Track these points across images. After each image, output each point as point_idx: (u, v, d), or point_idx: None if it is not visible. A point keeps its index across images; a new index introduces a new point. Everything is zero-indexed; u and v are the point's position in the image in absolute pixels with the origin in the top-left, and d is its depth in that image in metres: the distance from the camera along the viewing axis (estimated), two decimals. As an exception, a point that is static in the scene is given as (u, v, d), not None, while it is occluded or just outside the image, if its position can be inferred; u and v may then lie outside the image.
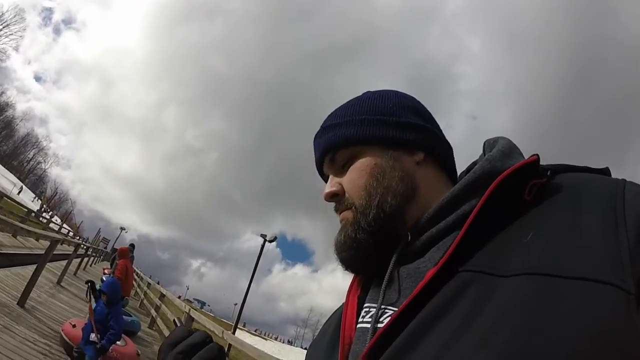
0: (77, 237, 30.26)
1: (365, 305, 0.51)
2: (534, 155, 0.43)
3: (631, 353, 0.29)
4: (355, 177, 0.54)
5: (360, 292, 0.55)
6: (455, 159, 0.59)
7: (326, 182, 0.59)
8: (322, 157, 0.59)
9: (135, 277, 16.26)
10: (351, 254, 0.52)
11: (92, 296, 4.27)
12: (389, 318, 0.42)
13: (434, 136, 0.56)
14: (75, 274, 11.79)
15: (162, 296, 9.86)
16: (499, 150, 0.49)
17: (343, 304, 0.58)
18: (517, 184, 0.42)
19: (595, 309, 0.31)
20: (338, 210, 0.56)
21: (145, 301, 12.46)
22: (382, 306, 0.47)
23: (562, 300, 0.32)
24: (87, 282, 4.31)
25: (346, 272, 0.55)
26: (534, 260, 0.36)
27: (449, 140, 0.60)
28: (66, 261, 10.01)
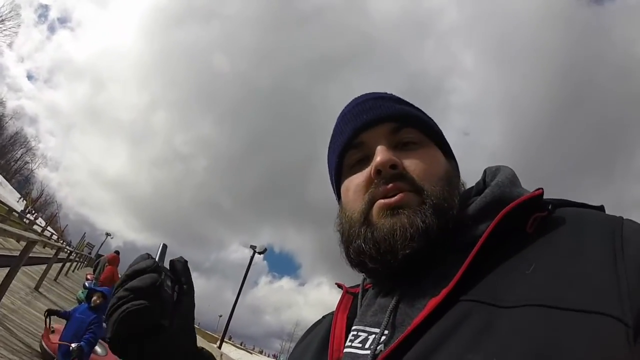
0: (61, 241, 29.32)
1: (354, 327, 0.49)
2: (539, 188, 0.43)
3: None
4: (431, 164, 0.50)
5: (349, 311, 0.53)
6: None
7: (355, 153, 0.52)
8: (378, 121, 0.51)
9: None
10: (407, 248, 0.45)
11: (49, 324, 4.08)
12: (390, 346, 0.40)
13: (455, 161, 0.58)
14: (55, 279, 11.18)
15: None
16: (507, 178, 0.48)
17: (325, 317, 0.58)
18: (520, 216, 0.42)
19: (596, 340, 0.31)
20: (392, 187, 0.47)
21: None
22: (386, 331, 0.44)
23: (562, 331, 0.32)
24: (46, 312, 4.08)
25: (370, 273, 0.51)
26: (535, 292, 0.36)
27: None
28: (46, 265, 9.41)
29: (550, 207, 0.42)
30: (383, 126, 0.50)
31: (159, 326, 0.47)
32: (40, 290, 7.92)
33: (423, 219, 0.45)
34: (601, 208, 0.45)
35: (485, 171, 0.52)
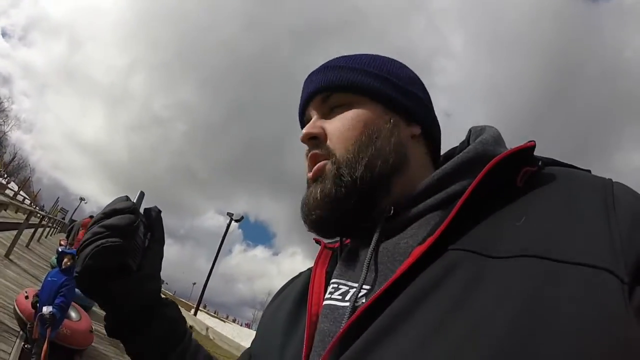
0: (34, 206, 28.85)
1: (333, 280, 0.49)
2: (531, 141, 0.42)
3: (627, 339, 0.29)
4: (345, 125, 0.50)
5: (328, 265, 0.53)
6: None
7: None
8: (313, 95, 0.53)
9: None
10: (326, 212, 0.48)
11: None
12: (371, 297, 0.38)
13: (432, 115, 0.55)
14: (27, 245, 11.27)
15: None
16: (491, 136, 0.48)
17: (302, 273, 0.58)
18: (510, 169, 0.41)
19: (594, 295, 0.31)
20: (312, 157, 0.51)
21: None
22: (363, 287, 0.43)
23: (560, 283, 0.32)
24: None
25: (316, 234, 0.52)
26: (527, 243, 0.35)
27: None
28: (16, 231, 9.61)
29: (540, 164, 0.42)
30: (316, 98, 0.53)
31: (128, 268, 0.48)
32: (11, 257, 7.69)
33: (335, 183, 0.47)
34: (588, 171, 0.44)
35: (470, 130, 0.52)
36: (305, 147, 0.53)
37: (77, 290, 3.81)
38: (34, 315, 3.78)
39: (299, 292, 0.53)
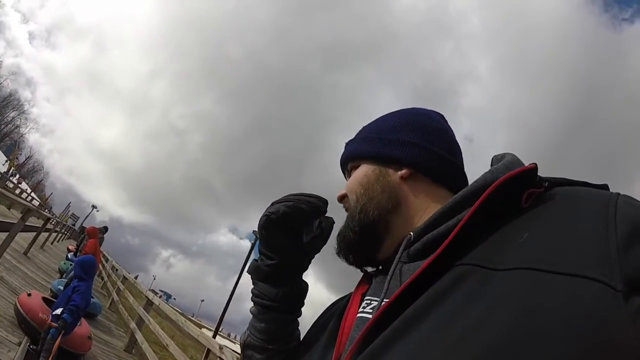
0: (45, 210, 29.31)
1: (366, 297, 0.57)
2: (532, 163, 0.46)
3: (619, 345, 0.31)
4: (350, 183, 0.65)
5: (366, 289, 0.61)
6: (465, 175, 0.64)
7: None
8: (343, 167, 0.71)
9: (102, 259, 16.09)
10: (342, 248, 0.62)
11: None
12: (382, 306, 0.45)
13: (425, 153, 0.61)
14: (25, 253, 11.54)
15: (124, 279, 10.02)
16: (504, 164, 0.51)
17: (348, 294, 0.66)
18: (515, 191, 0.45)
19: (581, 302, 0.33)
20: (346, 209, 0.65)
21: (108, 283, 12.43)
22: (385, 300, 0.49)
23: (550, 293, 0.34)
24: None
25: (347, 264, 0.64)
26: (526, 256, 0.38)
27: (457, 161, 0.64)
28: (34, 234, 9.91)
29: (546, 184, 0.45)
30: (345, 169, 0.70)
31: (300, 237, 0.62)
32: (15, 261, 7.93)
33: (345, 227, 0.62)
34: (604, 187, 0.46)
35: (492, 159, 0.57)
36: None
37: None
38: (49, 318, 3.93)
39: (340, 311, 0.61)
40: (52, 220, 16.58)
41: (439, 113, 0.69)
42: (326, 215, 0.63)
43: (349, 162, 0.68)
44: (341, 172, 0.72)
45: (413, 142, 0.61)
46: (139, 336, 5.48)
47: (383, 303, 0.48)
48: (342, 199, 0.66)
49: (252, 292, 0.66)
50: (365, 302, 0.56)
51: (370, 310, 0.53)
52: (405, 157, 0.61)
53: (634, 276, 0.33)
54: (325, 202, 0.62)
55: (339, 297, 0.71)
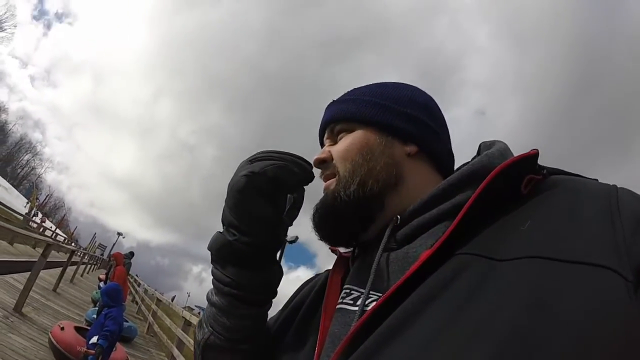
0: (71, 243, 29.92)
1: (346, 286, 0.52)
2: (533, 149, 0.44)
3: (630, 334, 0.30)
4: (344, 147, 0.56)
5: (343, 273, 0.56)
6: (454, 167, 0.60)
7: None
8: (324, 126, 0.62)
9: (133, 283, 16.13)
10: (326, 221, 0.54)
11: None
12: (381, 298, 0.40)
13: (433, 136, 0.57)
14: (71, 280, 11.62)
15: (158, 301, 9.84)
16: (498, 150, 0.49)
17: (323, 274, 0.61)
18: (514, 178, 0.43)
19: (595, 292, 0.32)
20: (324, 177, 0.57)
21: (142, 307, 12.36)
22: (371, 292, 0.46)
23: (563, 282, 0.33)
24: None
25: (320, 240, 0.56)
26: (531, 245, 0.36)
27: (453, 147, 0.61)
28: (60, 269, 9.85)
29: (544, 172, 0.44)
30: (327, 129, 0.61)
31: (280, 209, 0.51)
32: (58, 291, 8.21)
33: (334, 196, 0.53)
34: (595, 180, 0.45)
35: (480, 145, 0.54)
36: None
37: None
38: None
39: (317, 296, 0.57)
40: (78, 253, 16.71)
41: (433, 98, 0.63)
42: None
43: (339, 123, 0.59)
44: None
45: (422, 119, 0.57)
46: (150, 319, 5.23)
47: (371, 296, 0.45)
48: (323, 163, 0.57)
49: (215, 276, 0.53)
50: (345, 290, 0.51)
51: (351, 302, 0.48)
52: (416, 134, 0.56)
53: None
54: (312, 167, 0.53)
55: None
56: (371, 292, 0.46)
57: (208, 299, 0.55)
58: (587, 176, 0.46)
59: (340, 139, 0.58)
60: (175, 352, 5.58)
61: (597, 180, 0.45)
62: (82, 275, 15.17)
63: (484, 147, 0.53)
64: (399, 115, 0.56)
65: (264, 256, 0.52)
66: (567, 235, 0.36)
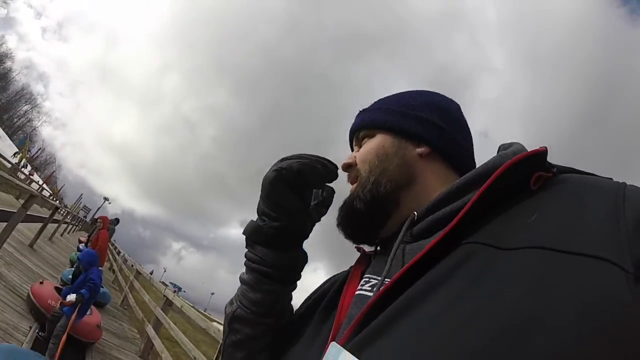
0: (56, 201, 29.26)
1: (366, 275, 0.56)
2: (542, 147, 0.45)
3: (630, 326, 0.31)
4: (364, 152, 0.62)
5: (364, 267, 0.60)
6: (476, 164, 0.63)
7: None
8: (352, 134, 0.68)
9: (112, 250, 15.63)
10: (348, 220, 0.59)
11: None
12: (388, 282, 0.44)
13: (447, 137, 0.60)
14: (50, 238, 11.14)
15: (137, 274, 9.43)
16: (512, 151, 0.50)
17: (346, 271, 0.65)
18: (523, 174, 0.44)
19: (592, 282, 0.32)
20: (350, 180, 0.63)
21: (119, 276, 11.81)
22: (386, 279, 0.48)
23: (561, 272, 0.34)
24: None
25: (346, 238, 0.61)
26: (535, 236, 0.38)
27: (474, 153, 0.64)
28: (41, 225, 9.35)
29: (555, 170, 0.45)
30: (354, 137, 0.67)
31: (306, 202, 0.58)
32: (34, 247, 7.78)
33: (354, 197, 0.58)
34: (609, 179, 0.45)
35: (499, 147, 0.56)
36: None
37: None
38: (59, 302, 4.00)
39: (339, 287, 0.60)
40: (62, 210, 16.17)
41: (457, 103, 0.67)
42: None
43: (362, 130, 0.65)
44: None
45: (435, 122, 0.61)
46: (157, 343, 4.80)
47: (385, 282, 0.48)
48: (349, 167, 0.63)
49: (247, 257, 0.60)
50: (364, 279, 0.55)
51: (369, 288, 0.52)
52: (427, 135, 0.60)
53: None
54: (337, 168, 0.59)
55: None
56: (386, 279, 0.48)
57: (240, 279, 0.62)
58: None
59: (362, 144, 0.64)
60: (152, 332, 5.08)
61: (611, 179, 0.45)
62: (62, 235, 14.64)
63: (502, 148, 0.54)
64: (412, 119, 0.61)
65: (289, 240, 0.59)
66: (571, 227, 0.37)
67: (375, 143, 0.61)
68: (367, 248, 0.63)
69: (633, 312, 0.31)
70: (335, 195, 0.60)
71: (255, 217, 0.60)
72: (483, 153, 0.60)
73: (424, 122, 0.60)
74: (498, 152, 0.54)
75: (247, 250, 0.60)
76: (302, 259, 0.60)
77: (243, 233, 0.59)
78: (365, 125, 0.64)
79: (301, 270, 0.61)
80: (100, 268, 4.78)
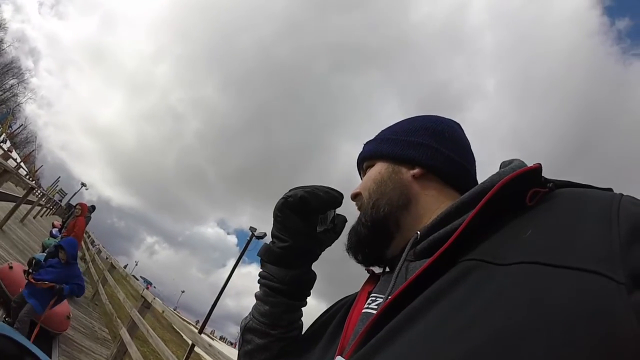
0: (33, 181, 28.03)
1: (372, 295, 0.58)
2: (536, 163, 0.47)
3: (620, 337, 0.31)
4: (365, 180, 0.68)
5: (372, 287, 0.62)
6: (477, 181, 0.65)
7: None
8: (358, 166, 0.75)
9: (86, 239, 14.85)
10: (354, 244, 0.64)
11: (31, 272, 4.07)
12: (387, 300, 0.46)
13: (441, 157, 0.63)
14: (22, 220, 10.45)
15: (112, 267, 8.86)
16: (511, 167, 0.51)
17: (355, 293, 0.66)
18: (519, 190, 0.45)
19: (584, 296, 0.33)
20: (358, 207, 0.67)
21: (92, 268, 11.04)
22: (389, 297, 0.49)
23: (555, 285, 0.34)
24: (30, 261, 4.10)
25: (357, 263, 0.65)
26: (530, 251, 0.39)
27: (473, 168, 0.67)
28: (13, 204, 8.73)
29: (550, 185, 0.45)
30: (360, 169, 0.74)
31: (313, 227, 0.63)
32: (4, 229, 7.25)
33: (358, 222, 0.64)
34: (609, 190, 0.46)
35: (500, 164, 0.56)
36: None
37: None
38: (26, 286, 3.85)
39: (346, 308, 0.63)
40: (37, 191, 15.35)
41: (456, 122, 0.70)
42: (339, 213, 0.65)
43: (365, 161, 0.71)
44: (353, 173, 0.76)
45: (427, 144, 0.64)
46: (132, 350, 4.28)
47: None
48: (356, 197, 0.68)
49: (259, 275, 0.67)
50: (370, 298, 0.58)
51: (375, 307, 0.54)
52: (418, 157, 0.63)
53: (636, 271, 0.34)
54: (341, 195, 0.63)
55: (327, 303, 0.75)
56: (390, 297, 0.49)
57: (254, 295, 0.68)
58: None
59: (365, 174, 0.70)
60: (127, 337, 4.51)
61: (610, 189, 0.46)
62: (34, 217, 13.82)
63: (503, 165, 0.55)
64: (404, 145, 0.65)
65: (295, 258, 0.64)
66: (566, 242, 0.38)
67: (374, 171, 0.66)
68: (377, 269, 0.67)
69: (625, 322, 0.31)
70: (347, 223, 0.65)
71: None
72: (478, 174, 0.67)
73: (416, 145, 0.64)
74: (500, 168, 0.55)
75: (261, 269, 0.67)
76: (308, 277, 0.66)
77: (257, 255, 0.66)
78: (366, 156, 0.70)
79: (310, 288, 0.67)
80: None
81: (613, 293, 0.33)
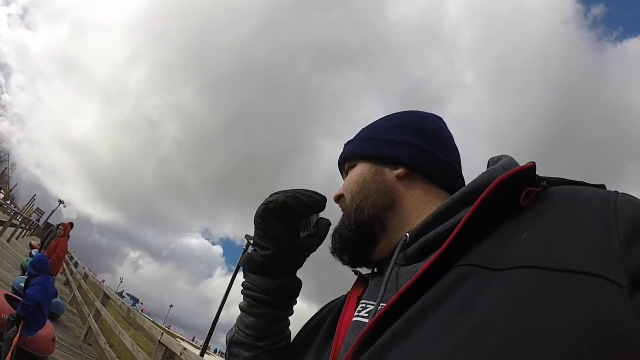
0: (8, 202, 27.18)
1: (362, 301, 0.57)
2: (530, 162, 0.46)
3: (624, 339, 0.31)
4: (347, 182, 0.66)
5: (361, 292, 0.62)
6: (463, 178, 0.64)
7: None
8: (340, 168, 0.72)
9: (69, 261, 14.43)
10: (339, 246, 0.62)
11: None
12: (381, 309, 0.45)
13: (425, 155, 0.61)
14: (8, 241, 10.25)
15: (85, 276, 9.08)
16: (501, 165, 0.50)
17: (344, 296, 0.66)
18: (513, 190, 0.44)
19: (585, 300, 0.33)
20: (342, 210, 0.65)
21: (71, 280, 11.21)
22: (381, 304, 0.48)
23: (555, 291, 0.34)
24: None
25: (343, 265, 0.63)
26: (527, 255, 0.38)
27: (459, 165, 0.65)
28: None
29: (544, 184, 0.45)
30: (342, 170, 0.71)
31: (297, 233, 0.62)
32: None
33: (341, 225, 0.62)
34: (602, 187, 0.46)
35: (489, 161, 0.56)
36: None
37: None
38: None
39: (336, 315, 0.61)
40: (19, 216, 14.88)
41: (438, 117, 0.69)
42: (322, 217, 0.64)
43: (346, 163, 0.69)
44: (335, 173, 0.74)
45: (410, 142, 0.62)
46: (94, 326, 5.06)
47: (380, 307, 0.48)
48: (339, 199, 0.66)
49: (243, 285, 0.65)
50: (361, 306, 0.56)
51: (366, 315, 0.53)
52: (401, 157, 0.61)
53: (637, 272, 0.33)
54: (324, 199, 0.61)
55: (317, 305, 0.75)
56: (382, 304, 0.48)
57: (239, 307, 0.65)
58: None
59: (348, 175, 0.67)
60: (94, 325, 5.07)
61: (603, 186, 0.46)
62: (8, 241, 12.83)
63: (491, 162, 0.55)
64: (385, 144, 0.63)
65: (279, 267, 0.62)
66: (562, 244, 0.37)
67: (356, 172, 0.64)
68: (365, 271, 0.65)
69: (629, 326, 0.31)
70: (331, 226, 0.64)
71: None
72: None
73: (399, 144, 0.62)
74: (488, 166, 0.54)
75: (244, 279, 0.65)
76: (293, 285, 0.64)
77: (239, 264, 0.58)
78: (347, 157, 0.68)
79: (295, 297, 0.65)
80: (54, 277, 4.53)
81: (615, 296, 0.32)
